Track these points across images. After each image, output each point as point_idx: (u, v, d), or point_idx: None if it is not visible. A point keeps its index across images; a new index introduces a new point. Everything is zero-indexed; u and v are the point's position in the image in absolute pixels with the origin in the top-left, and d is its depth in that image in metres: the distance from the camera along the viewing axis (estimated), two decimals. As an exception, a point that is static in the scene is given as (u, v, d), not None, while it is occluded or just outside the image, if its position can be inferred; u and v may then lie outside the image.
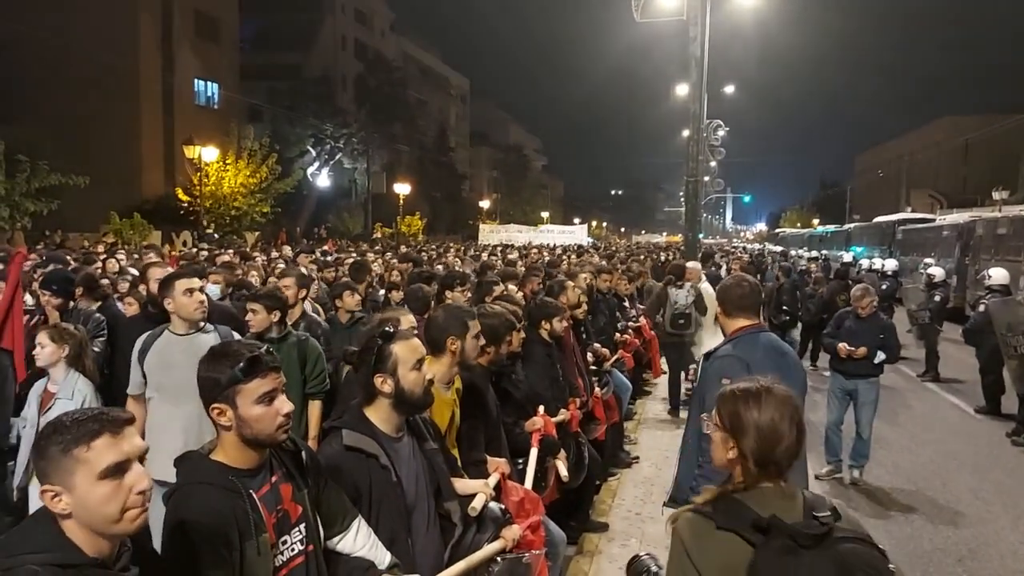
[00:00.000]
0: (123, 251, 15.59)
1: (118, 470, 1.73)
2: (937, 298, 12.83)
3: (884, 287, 14.52)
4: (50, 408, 4.15)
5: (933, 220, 30.12)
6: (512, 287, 7.26)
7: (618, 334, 8.62)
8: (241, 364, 2.19)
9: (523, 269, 11.14)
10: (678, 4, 15.08)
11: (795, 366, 3.97)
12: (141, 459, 1.80)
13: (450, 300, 6.08)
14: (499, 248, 28.17)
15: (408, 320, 4.38)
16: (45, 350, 4.29)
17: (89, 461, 1.71)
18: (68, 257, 11.32)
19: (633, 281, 10.90)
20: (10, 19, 30.45)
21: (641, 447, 8.35)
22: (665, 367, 10.08)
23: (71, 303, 5.82)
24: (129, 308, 6.43)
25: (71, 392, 4.24)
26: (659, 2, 15.32)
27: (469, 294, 6.50)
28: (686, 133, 16.34)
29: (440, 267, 12.96)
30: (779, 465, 2.05)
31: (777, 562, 1.85)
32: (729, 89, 33.10)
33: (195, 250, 18.14)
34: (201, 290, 4.33)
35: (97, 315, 5.98)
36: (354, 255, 16.65)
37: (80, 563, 1.71)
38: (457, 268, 12.43)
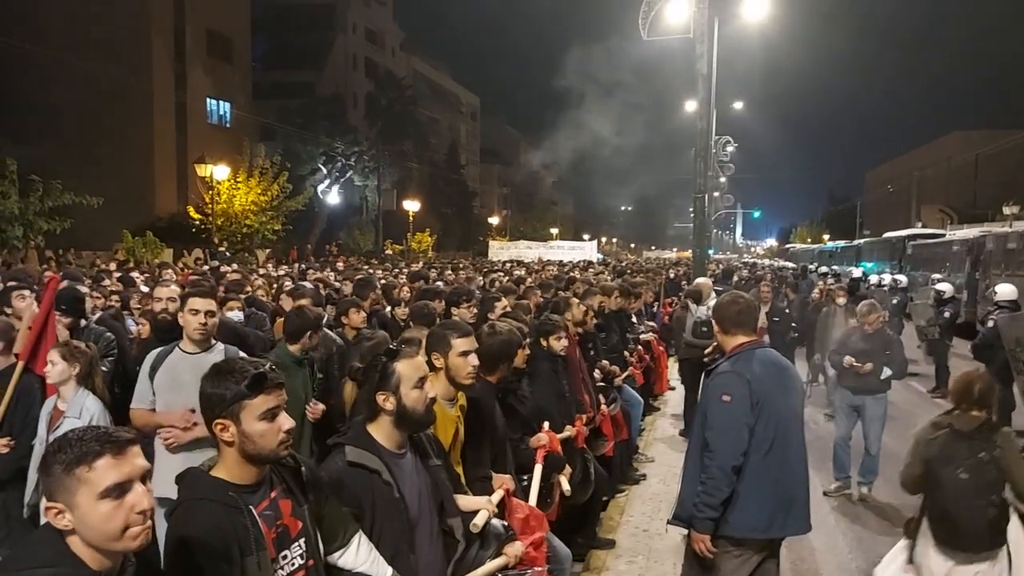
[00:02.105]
0: (136, 271, 15.72)
1: (119, 490, 1.76)
2: (947, 314, 12.78)
3: (894, 302, 14.48)
4: (58, 426, 4.17)
5: (943, 235, 30.02)
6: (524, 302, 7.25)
7: (625, 352, 8.63)
8: (247, 380, 2.22)
9: (527, 285, 11.17)
10: (685, 22, 15.19)
11: (795, 380, 4.00)
12: (144, 478, 1.83)
13: (456, 317, 6.11)
14: (507, 264, 28.30)
15: None
16: (56, 368, 4.32)
17: (91, 481, 1.74)
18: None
19: (639, 298, 10.93)
20: (24, 39, 30.87)
21: (649, 463, 8.35)
22: (676, 384, 10.10)
23: (82, 321, 5.87)
24: (143, 329, 6.49)
25: (79, 411, 4.26)
26: (666, 20, 15.44)
27: (475, 310, 6.52)
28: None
29: (440, 283, 12.96)
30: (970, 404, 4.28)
31: (940, 436, 4.27)
32: (738, 105, 33.28)
33: (206, 268, 18.29)
34: (209, 313, 4.30)
35: (108, 334, 6.03)
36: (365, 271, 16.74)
37: None
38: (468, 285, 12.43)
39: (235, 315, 6.54)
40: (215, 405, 2.23)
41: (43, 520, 3.83)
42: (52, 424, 4.27)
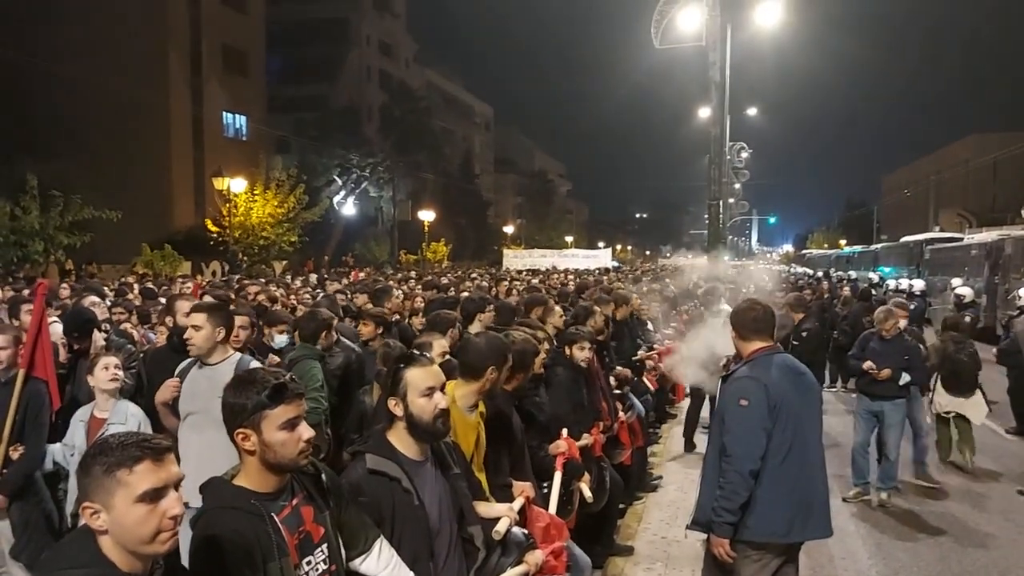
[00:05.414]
0: (153, 283, 15.86)
1: (155, 495, 1.82)
2: (968, 318, 12.66)
3: (912, 308, 14.34)
4: (103, 432, 4.21)
5: (961, 239, 29.75)
6: (557, 310, 7.15)
7: (642, 352, 8.64)
8: (267, 391, 2.26)
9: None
10: (697, 30, 15.21)
11: (812, 386, 4.01)
12: (176, 486, 1.88)
13: (479, 325, 6.12)
14: (521, 272, 28.33)
15: (440, 345, 4.43)
16: (121, 374, 4.45)
17: (129, 484, 1.79)
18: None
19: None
20: (44, 57, 31.31)
21: (666, 471, 8.34)
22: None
23: (103, 337, 5.91)
24: (160, 336, 6.57)
25: (124, 417, 4.36)
26: (678, 29, 15.47)
27: (492, 314, 6.56)
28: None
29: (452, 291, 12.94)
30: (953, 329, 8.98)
31: (947, 342, 8.67)
32: (752, 111, 33.18)
33: (223, 280, 18.44)
34: (196, 328, 4.21)
35: (128, 346, 6.10)
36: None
37: None
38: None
39: (283, 339, 6.36)
40: (237, 415, 2.27)
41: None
42: (94, 431, 4.33)
